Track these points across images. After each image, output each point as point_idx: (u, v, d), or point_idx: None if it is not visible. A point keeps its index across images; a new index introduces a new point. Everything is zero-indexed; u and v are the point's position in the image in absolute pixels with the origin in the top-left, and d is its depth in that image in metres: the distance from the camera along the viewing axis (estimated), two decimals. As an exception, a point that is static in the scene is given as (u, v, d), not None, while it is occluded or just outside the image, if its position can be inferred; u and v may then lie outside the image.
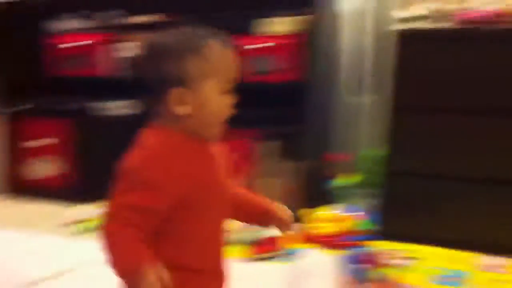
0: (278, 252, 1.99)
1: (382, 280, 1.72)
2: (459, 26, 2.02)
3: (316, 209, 2.15)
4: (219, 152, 1.11)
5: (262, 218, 1.21)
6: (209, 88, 1.02)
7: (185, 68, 1.01)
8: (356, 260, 1.72)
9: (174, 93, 1.01)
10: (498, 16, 1.99)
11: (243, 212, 1.20)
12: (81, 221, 2.32)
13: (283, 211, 1.20)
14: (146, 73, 1.04)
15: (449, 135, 1.93)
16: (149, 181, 0.98)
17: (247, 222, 1.26)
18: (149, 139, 1.04)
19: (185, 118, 1.02)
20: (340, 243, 1.98)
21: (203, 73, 1.01)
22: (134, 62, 1.19)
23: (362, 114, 2.51)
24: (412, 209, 2.08)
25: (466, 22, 2.01)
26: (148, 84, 1.04)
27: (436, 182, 2.05)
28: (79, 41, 2.61)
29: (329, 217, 2.10)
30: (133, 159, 1.01)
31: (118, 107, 2.58)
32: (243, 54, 1.90)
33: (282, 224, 1.20)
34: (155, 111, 1.05)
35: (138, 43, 1.35)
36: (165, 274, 0.94)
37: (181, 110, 1.02)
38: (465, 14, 2.03)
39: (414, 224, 2.07)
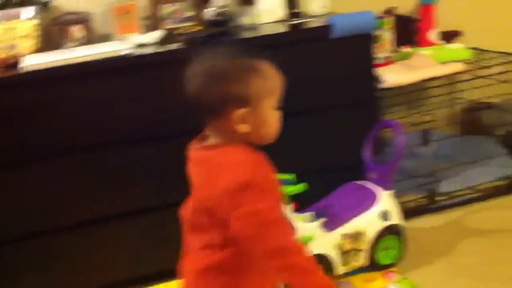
0: None
1: None
2: None
3: None
4: None
5: None
6: (267, 106, 1.08)
7: (248, 89, 1.05)
8: None
9: (238, 113, 1.05)
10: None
11: None
12: None
13: None
14: (207, 95, 1.05)
15: None
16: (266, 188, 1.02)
17: None
18: (236, 155, 1.06)
19: (245, 135, 1.07)
20: None
21: (264, 92, 1.06)
22: (192, 85, 1.07)
23: None
24: None
25: None
26: (208, 104, 1.05)
27: None
28: None
29: None
30: (241, 174, 1.01)
31: None
32: None
33: None
34: (213, 128, 1.09)
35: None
36: None
37: (243, 128, 1.06)
38: None
39: None
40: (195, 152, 1.12)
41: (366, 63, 2.06)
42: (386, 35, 2.36)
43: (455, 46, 2.40)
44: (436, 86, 2.37)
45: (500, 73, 2.37)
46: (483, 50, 2.46)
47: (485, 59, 2.41)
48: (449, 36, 2.55)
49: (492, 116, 2.58)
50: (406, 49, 2.44)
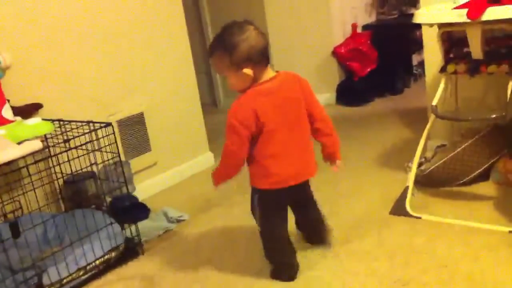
0: None
1: None
2: None
3: None
4: None
5: None
6: None
7: None
8: None
9: None
10: None
11: None
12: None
13: None
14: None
15: None
16: None
17: None
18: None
19: None
20: None
21: None
22: (264, 40, 1.89)
23: None
24: None
25: None
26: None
27: None
28: None
29: None
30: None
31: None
32: None
33: None
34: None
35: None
36: None
37: None
38: None
39: None
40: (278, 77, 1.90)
41: None
42: None
43: (33, 121, 2.20)
44: (22, 167, 2.11)
45: (89, 141, 2.26)
46: (65, 121, 2.33)
47: (70, 129, 2.28)
48: (28, 110, 2.34)
49: (93, 186, 2.46)
50: (-23, 132, 2.12)
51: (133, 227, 2.39)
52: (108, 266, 2.26)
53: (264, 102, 1.83)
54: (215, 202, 2.82)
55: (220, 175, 1.97)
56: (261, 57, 1.83)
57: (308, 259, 2.14)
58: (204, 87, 4.62)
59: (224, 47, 1.82)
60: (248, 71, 1.82)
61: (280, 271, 2.03)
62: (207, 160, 3.42)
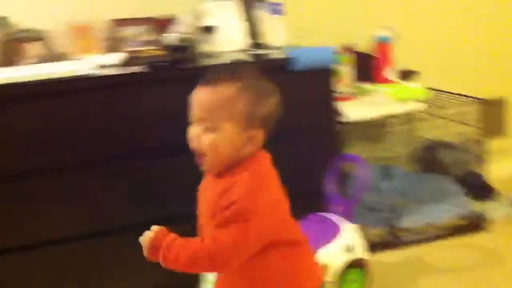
0: None
1: None
2: None
3: None
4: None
5: None
6: None
7: None
8: None
9: None
10: None
11: None
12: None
13: None
14: None
15: None
16: None
17: None
18: None
19: None
20: None
21: None
22: None
23: None
24: None
25: None
26: None
27: None
28: None
29: None
30: None
31: None
32: None
33: None
34: None
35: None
36: None
37: None
38: None
39: None
40: None
41: (326, 96, 2.02)
42: (346, 71, 2.38)
43: (413, 85, 2.44)
44: (395, 124, 2.38)
45: (456, 114, 2.41)
46: (439, 91, 2.51)
47: (440, 99, 2.45)
48: (405, 75, 2.60)
49: (449, 155, 2.60)
50: (365, 85, 2.46)
51: (478, 204, 2.46)
52: (453, 231, 2.38)
53: None
54: None
55: None
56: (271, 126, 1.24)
57: None
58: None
59: (249, 88, 1.19)
60: (260, 134, 1.22)
61: None
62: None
